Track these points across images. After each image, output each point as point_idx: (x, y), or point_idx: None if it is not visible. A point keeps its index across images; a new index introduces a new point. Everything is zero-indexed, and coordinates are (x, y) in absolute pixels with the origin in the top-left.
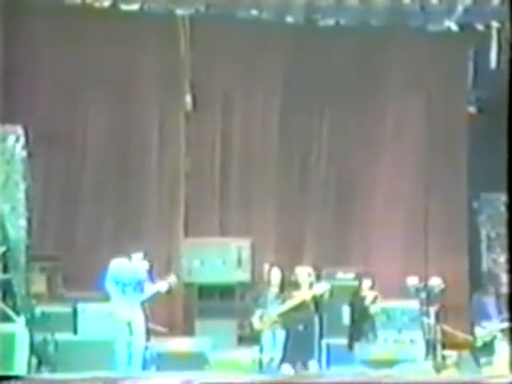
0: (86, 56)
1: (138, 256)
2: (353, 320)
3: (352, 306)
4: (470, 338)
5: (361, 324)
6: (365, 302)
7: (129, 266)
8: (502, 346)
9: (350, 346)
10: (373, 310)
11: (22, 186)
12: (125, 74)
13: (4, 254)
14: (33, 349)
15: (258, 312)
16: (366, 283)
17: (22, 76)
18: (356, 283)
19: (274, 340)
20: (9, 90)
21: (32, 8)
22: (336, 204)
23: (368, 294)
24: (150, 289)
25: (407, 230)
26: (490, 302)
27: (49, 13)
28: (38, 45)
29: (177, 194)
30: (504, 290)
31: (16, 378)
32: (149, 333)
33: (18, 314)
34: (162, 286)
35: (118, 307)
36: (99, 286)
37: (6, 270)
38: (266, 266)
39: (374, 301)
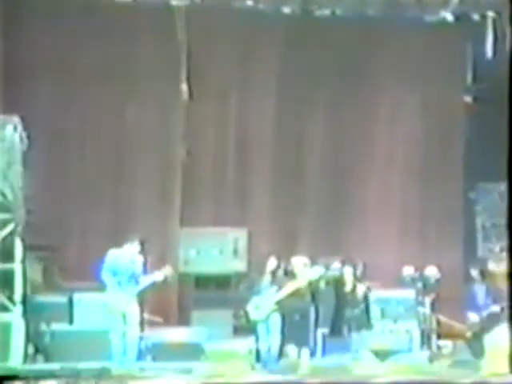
0: (83, 47)
1: (134, 246)
2: (336, 308)
3: (335, 293)
4: (465, 327)
5: (342, 311)
6: (345, 290)
7: (125, 257)
8: (491, 336)
9: (331, 333)
10: (357, 298)
11: (23, 175)
12: (122, 65)
13: (3, 241)
14: (29, 338)
15: (254, 301)
16: (348, 271)
17: (21, 68)
18: (337, 271)
19: (269, 329)
20: (8, 81)
21: (30, 1)
22: (332, 194)
23: (349, 281)
24: (146, 279)
25: (403, 219)
26: (480, 291)
27: (47, 5)
28: (37, 37)
29: (173, 184)
30: (499, 282)
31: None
32: (144, 323)
33: (14, 303)
34: (157, 276)
35: (113, 298)
36: (95, 276)
37: (3, 259)
38: (261, 255)
39: (354, 289)
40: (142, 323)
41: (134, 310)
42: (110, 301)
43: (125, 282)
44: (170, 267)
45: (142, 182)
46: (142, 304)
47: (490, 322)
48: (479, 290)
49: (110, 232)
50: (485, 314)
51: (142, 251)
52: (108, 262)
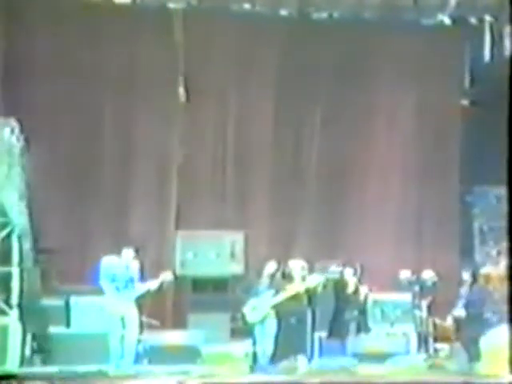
0: (82, 49)
1: (129, 252)
2: (336, 310)
3: (335, 296)
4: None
5: (342, 314)
6: (346, 292)
7: (121, 262)
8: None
9: (330, 336)
10: (358, 301)
11: (23, 177)
12: (120, 67)
13: (1, 244)
14: (26, 341)
15: (251, 303)
16: (349, 273)
17: (19, 69)
18: (338, 273)
19: (266, 333)
20: (6, 83)
21: (30, 3)
22: (329, 198)
23: (350, 283)
24: (143, 286)
25: (400, 223)
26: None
27: (47, 6)
28: (36, 38)
29: (170, 186)
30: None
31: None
32: (141, 326)
33: (10, 307)
34: (153, 284)
35: (111, 302)
36: (92, 280)
37: (0, 262)
38: (259, 258)
39: (355, 291)
40: (140, 326)
41: (132, 313)
42: (108, 304)
43: (122, 288)
44: (170, 272)
45: (141, 184)
46: (140, 307)
47: (459, 324)
48: (467, 292)
49: (107, 235)
50: (456, 315)
51: (137, 257)
52: (104, 269)
